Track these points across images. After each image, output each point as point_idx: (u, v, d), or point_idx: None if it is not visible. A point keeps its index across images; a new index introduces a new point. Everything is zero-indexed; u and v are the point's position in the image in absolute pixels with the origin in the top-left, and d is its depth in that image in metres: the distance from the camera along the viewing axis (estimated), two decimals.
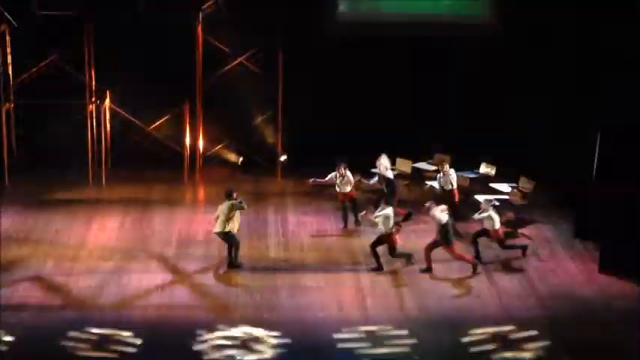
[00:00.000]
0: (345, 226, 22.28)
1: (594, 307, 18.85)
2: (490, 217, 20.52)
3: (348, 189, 22.20)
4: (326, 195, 24.16)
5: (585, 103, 22.18)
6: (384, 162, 22.82)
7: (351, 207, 22.30)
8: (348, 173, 22.16)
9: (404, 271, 20.18)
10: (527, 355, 17.09)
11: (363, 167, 23.92)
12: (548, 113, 24.33)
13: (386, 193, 22.22)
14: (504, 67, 25.48)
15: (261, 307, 18.62)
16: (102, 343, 17.03)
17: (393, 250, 19.89)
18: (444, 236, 19.76)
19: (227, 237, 19.89)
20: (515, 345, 17.35)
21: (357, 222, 22.25)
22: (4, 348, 16.84)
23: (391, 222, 19.75)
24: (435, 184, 23.01)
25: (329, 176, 22.23)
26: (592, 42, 21.76)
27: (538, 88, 24.81)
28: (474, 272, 19.87)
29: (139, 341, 17.10)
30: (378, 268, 19.91)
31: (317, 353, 16.95)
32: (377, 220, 19.80)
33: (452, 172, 22.67)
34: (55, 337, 17.15)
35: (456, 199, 22.55)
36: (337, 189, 22.26)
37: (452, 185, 22.63)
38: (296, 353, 16.92)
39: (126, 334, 17.31)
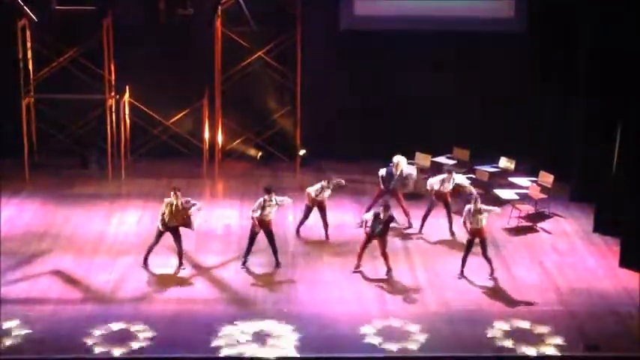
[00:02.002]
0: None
1: (614, 302, 18.78)
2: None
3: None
4: (345, 189, 24.13)
5: (606, 99, 22.06)
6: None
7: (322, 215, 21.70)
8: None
9: (423, 265, 20.16)
10: (546, 349, 17.06)
11: (382, 162, 23.92)
12: (569, 109, 24.18)
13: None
14: (525, 61, 25.38)
15: (280, 301, 18.64)
16: (121, 337, 17.08)
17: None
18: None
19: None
20: (535, 339, 17.31)
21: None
22: (23, 342, 16.92)
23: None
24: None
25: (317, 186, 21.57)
26: (614, 39, 21.63)
27: (558, 84, 24.67)
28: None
29: (158, 335, 17.16)
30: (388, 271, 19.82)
31: (336, 348, 16.93)
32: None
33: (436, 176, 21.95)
34: (74, 331, 17.23)
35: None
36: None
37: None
38: (314, 348, 16.93)
39: (145, 328, 17.37)
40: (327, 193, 21.40)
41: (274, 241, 20.05)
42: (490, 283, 19.44)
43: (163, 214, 19.50)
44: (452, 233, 21.55)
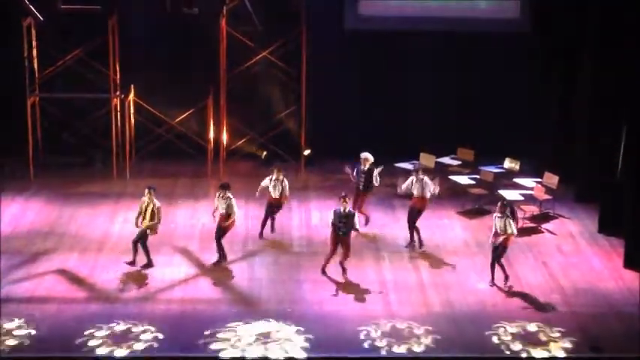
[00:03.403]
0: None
1: (618, 303, 18.77)
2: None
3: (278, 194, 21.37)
4: (349, 188, 24.13)
5: (611, 99, 22.06)
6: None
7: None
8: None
9: (427, 267, 20.17)
10: (551, 350, 17.05)
11: (385, 161, 23.95)
12: (574, 109, 24.18)
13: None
14: (530, 62, 25.37)
15: (284, 300, 18.65)
16: (124, 337, 17.11)
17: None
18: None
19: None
20: (539, 340, 17.30)
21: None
22: (28, 341, 16.94)
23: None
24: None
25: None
26: (617, 37, 21.62)
27: (563, 85, 24.65)
28: None
29: (161, 335, 17.18)
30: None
31: (340, 348, 16.93)
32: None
33: (427, 179, 21.15)
34: (79, 329, 17.24)
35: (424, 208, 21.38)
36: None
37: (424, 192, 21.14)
38: (319, 347, 16.94)
39: (148, 327, 17.38)
40: (279, 189, 21.21)
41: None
42: (494, 284, 19.42)
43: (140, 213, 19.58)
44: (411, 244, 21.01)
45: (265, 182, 21.35)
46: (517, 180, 23.74)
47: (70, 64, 25.05)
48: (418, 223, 20.90)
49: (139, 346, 16.84)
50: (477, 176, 23.89)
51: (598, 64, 22.63)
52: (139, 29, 25.45)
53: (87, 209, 22.86)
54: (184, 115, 25.54)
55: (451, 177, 23.95)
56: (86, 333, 17.12)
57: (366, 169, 21.50)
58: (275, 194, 21.24)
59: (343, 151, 25.68)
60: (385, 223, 22.22)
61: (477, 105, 25.91)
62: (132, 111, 25.63)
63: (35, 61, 25.26)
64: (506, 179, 24.04)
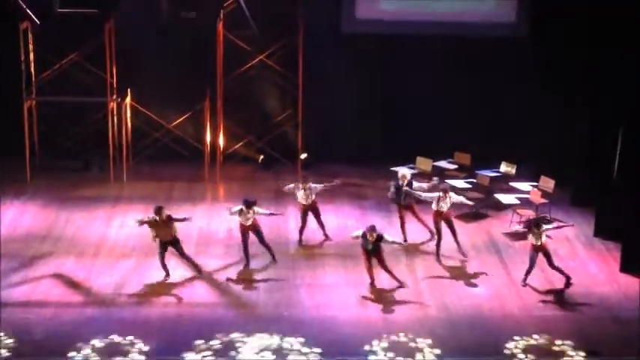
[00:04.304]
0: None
1: (615, 307, 18.78)
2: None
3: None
4: (346, 193, 24.21)
5: (608, 103, 22.07)
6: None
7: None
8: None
9: (423, 270, 20.18)
10: (547, 354, 17.05)
11: (383, 165, 24.02)
12: (571, 113, 24.20)
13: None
14: (526, 66, 25.37)
15: (281, 304, 18.65)
16: (121, 344, 17.10)
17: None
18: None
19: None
20: (535, 344, 17.31)
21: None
22: (25, 345, 16.93)
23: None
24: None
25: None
26: (614, 40, 21.63)
27: (559, 89, 24.65)
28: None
29: (158, 339, 17.17)
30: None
31: (337, 352, 16.93)
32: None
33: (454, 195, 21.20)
34: (75, 334, 17.23)
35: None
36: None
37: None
38: (315, 352, 16.95)
39: (144, 333, 17.37)
40: (300, 193, 21.16)
41: (264, 239, 20.16)
42: (491, 288, 19.44)
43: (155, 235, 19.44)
44: (438, 258, 20.78)
45: (288, 189, 21.36)
46: (513, 184, 23.75)
47: (66, 68, 25.07)
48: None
49: (135, 351, 16.86)
50: (474, 180, 23.89)
51: (594, 68, 22.63)
52: (136, 33, 25.43)
53: (83, 213, 22.85)
54: (181, 119, 25.55)
55: (448, 181, 23.94)
56: (82, 337, 17.10)
57: (404, 184, 21.38)
58: (307, 201, 21.17)
59: (340, 154, 25.80)
60: (382, 227, 22.16)
61: (473, 109, 25.91)
62: (129, 114, 25.64)
63: (32, 64, 25.25)
64: (502, 183, 24.04)
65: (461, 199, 20.87)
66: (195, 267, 19.74)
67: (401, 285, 19.30)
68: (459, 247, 20.82)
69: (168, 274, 19.50)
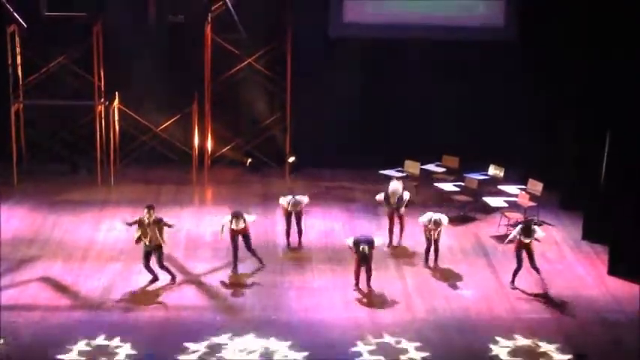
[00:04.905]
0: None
1: (602, 310, 18.81)
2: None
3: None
4: (334, 196, 24.22)
5: (596, 107, 22.11)
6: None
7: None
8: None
9: (411, 273, 20.19)
10: (535, 357, 17.07)
11: (373, 169, 24.00)
12: (559, 117, 24.23)
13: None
14: (515, 70, 25.39)
15: (269, 307, 18.63)
16: (107, 346, 17.05)
17: None
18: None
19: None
20: (523, 347, 17.32)
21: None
22: (11, 349, 16.87)
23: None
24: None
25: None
26: (604, 43, 21.67)
27: (547, 92, 24.68)
28: None
29: (145, 342, 17.13)
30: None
31: (325, 355, 16.91)
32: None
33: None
34: (63, 337, 17.17)
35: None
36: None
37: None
38: (303, 355, 16.93)
39: (132, 336, 17.32)
40: (299, 206, 21.16)
41: (250, 245, 20.12)
42: (479, 291, 19.46)
43: (140, 236, 19.24)
44: (426, 263, 20.69)
45: (284, 201, 21.21)
46: (501, 187, 23.77)
47: (54, 71, 25.02)
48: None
49: (122, 355, 16.82)
50: (462, 183, 23.92)
51: (582, 71, 22.69)
52: (124, 36, 25.38)
53: (71, 216, 22.80)
54: (169, 122, 25.52)
55: (436, 184, 23.98)
56: (70, 341, 17.05)
57: (395, 201, 21.30)
58: (294, 209, 21.10)
59: (327, 158, 25.78)
60: (370, 230, 22.16)
61: (461, 112, 25.92)
62: (116, 118, 25.59)
63: (19, 67, 25.19)
64: (490, 186, 24.07)
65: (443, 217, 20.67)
66: (172, 277, 19.54)
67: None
68: (437, 256, 20.59)
69: (156, 278, 19.43)
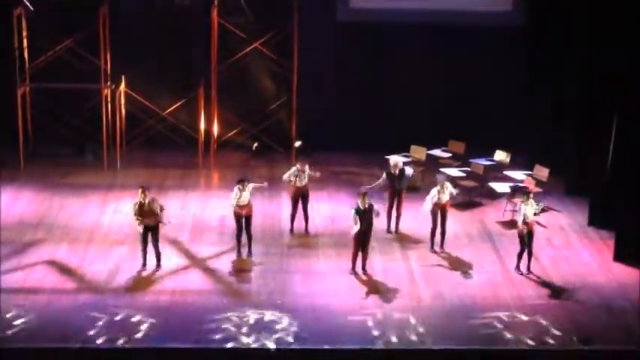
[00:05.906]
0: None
1: (608, 296, 18.79)
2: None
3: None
4: (340, 181, 24.22)
5: (603, 93, 22.04)
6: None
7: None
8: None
9: (417, 258, 20.19)
10: (540, 342, 17.07)
11: (379, 153, 23.97)
12: (566, 102, 24.17)
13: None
14: (522, 55, 25.37)
15: (275, 292, 18.64)
16: (114, 328, 17.08)
17: None
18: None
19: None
20: (529, 333, 17.32)
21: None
22: (18, 331, 16.91)
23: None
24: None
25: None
26: (610, 30, 21.60)
27: (555, 78, 24.62)
28: None
29: (151, 326, 17.16)
30: None
31: (331, 339, 16.92)
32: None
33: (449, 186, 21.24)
34: (69, 320, 17.21)
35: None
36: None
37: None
38: (309, 339, 16.94)
39: (139, 319, 17.36)
40: (304, 178, 21.08)
41: (250, 228, 20.04)
42: (485, 277, 19.45)
43: (136, 215, 19.15)
44: (432, 248, 20.64)
45: (288, 176, 21.08)
46: (507, 172, 23.74)
47: (60, 54, 25.01)
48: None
49: (128, 338, 16.82)
50: (468, 169, 23.89)
51: (589, 58, 22.61)
52: (130, 19, 25.40)
53: (77, 200, 22.82)
54: (175, 106, 25.51)
55: (442, 169, 23.93)
56: (76, 323, 17.07)
57: (397, 172, 21.28)
58: (300, 183, 21.01)
59: (334, 142, 25.77)
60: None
61: (468, 97, 25.91)
62: (122, 102, 25.58)
63: (26, 51, 25.19)
64: (496, 172, 24.04)
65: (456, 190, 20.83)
66: (158, 261, 19.46)
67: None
68: (443, 238, 20.60)
69: (145, 265, 19.36)
